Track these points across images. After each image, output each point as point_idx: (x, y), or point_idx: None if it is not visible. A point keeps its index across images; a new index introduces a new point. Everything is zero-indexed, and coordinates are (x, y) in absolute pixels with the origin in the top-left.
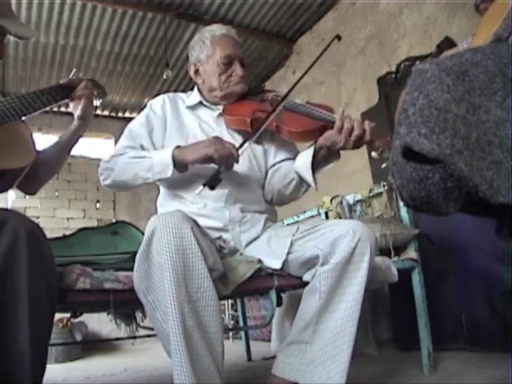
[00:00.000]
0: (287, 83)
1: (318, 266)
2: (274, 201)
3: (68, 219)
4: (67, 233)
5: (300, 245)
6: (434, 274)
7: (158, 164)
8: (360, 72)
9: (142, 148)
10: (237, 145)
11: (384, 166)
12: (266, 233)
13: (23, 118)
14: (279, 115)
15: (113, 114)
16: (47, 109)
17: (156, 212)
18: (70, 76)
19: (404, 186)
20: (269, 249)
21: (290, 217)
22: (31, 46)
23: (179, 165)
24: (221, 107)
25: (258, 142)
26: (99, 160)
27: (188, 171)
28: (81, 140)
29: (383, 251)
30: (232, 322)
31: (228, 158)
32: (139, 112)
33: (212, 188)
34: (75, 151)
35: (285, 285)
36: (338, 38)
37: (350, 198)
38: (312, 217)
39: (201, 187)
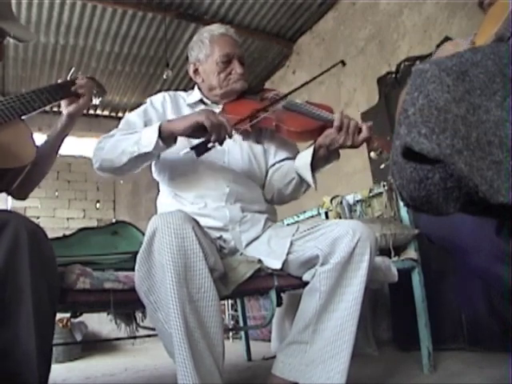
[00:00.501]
0: (287, 83)
1: (318, 265)
2: (274, 200)
3: (68, 219)
4: (67, 233)
5: (300, 245)
6: (434, 274)
7: (144, 137)
8: (360, 72)
9: None
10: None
11: (383, 166)
12: (266, 233)
13: (23, 117)
14: (279, 115)
15: (113, 114)
16: (47, 108)
17: (156, 212)
18: (69, 75)
19: (404, 186)
20: (269, 249)
21: (290, 217)
22: (31, 46)
23: (167, 137)
24: (221, 106)
25: (258, 141)
26: None
27: (189, 171)
28: (81, 140)
29: (383, 251)
30: (232, 322)
31: (220, 127)
32: None
33: (198, 155)
34: (75, 151)
35: (285, 285)
36: (343, 63)
37: (350, 198)
38: (312, 217)
39: (187, 149)
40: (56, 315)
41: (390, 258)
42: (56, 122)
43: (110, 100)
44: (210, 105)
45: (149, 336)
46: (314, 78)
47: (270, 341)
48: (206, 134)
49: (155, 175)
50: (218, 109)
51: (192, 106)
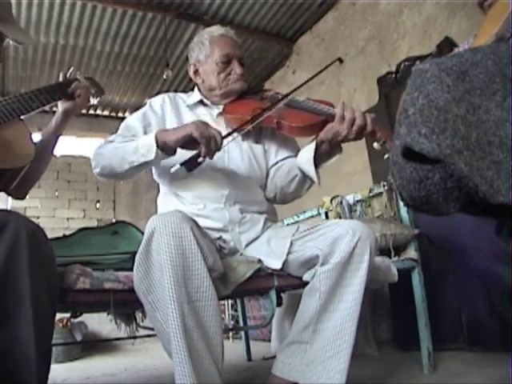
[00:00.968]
0: (287, 83)
1: (318, 265)
2: (277, 199)
3: (68, 219)
4: (67, 233)
5: (300, 245)
6: (434, 274)
7: (142, 146)
8: (360, 72)
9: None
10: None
11: (386, 156)
12: (266, 233)
13: (22, 117)
14: (280, 112)
15: (113, 114)
16: (46, 108)
17: (156, 212)
18: (68, 75)
19: (404, 186)
20: (269, 249)
21: (290, 217)
22: (31, 46)
23: (163, 147)
24: (221, 106)
25: (257, 141)
26: None
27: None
28: (81, 140)
29: (383, 251)
30: (232, 322)
31: (210, 140)
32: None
33: (189, 170)
34: (75, 151)
35: (285, 285)
36: (340, 61)
37: (350, 198)
38: (312, 217)
39: (177, 165)
40: (56, 315)
41: (390, 257)
42: (51, 120)
43: (110, 100)
44: (209, 106)
45: (149, 336)
46: (313, 78)
47: (270, 341)
48: (198, 147)
49: (155, 177)
50: (217, 109)
51: (192, 107)
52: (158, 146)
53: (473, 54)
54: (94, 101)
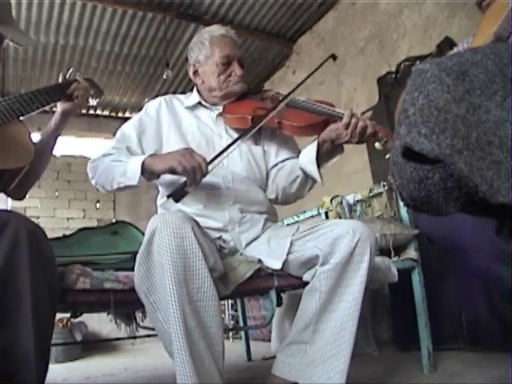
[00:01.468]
0: (287, 83)
1: (318, 265)
2: (278, 200)
3: (68, 219)
4: (67, 233)
5: (300, 245)
6: (434, 274)
7: (129, 170)
8: (360, 72)
9: (129, 150)
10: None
11: (387, 156)
12: (266, 233)
13: (21, 117)
14: (281, 111)
15: (113, 114)
16: (46, 108)
17: (156, 212)
18: (67, 75)
19: (404, 186)
20: (269, 249)
21: (290, 217)
22: (31, 46)
23: (148, 173)
24: (220, 107)
25: (256, 142)
26: None
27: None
28: (81, 140)
29: (383, 251)
30: (232, 322)
31: (195, 171)
32: (138, 112)
33: (177, 201)
34: (75, 151)
35: (285, 285)
36: (334, 57)
37: (350, 198)
38: (312, 217)
39: (164, 199)
40: (56, 315)
41: (390, 257)
42: (50, 121)
43: (110, 100)
44: (209, 107)
45: (149, 336)
46: (309, 76)
47: (270, 341)
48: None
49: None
50: (217, 110)
51: (190, 108)
52: (143, 172)
53: (473, 54)
54: (93, 102)
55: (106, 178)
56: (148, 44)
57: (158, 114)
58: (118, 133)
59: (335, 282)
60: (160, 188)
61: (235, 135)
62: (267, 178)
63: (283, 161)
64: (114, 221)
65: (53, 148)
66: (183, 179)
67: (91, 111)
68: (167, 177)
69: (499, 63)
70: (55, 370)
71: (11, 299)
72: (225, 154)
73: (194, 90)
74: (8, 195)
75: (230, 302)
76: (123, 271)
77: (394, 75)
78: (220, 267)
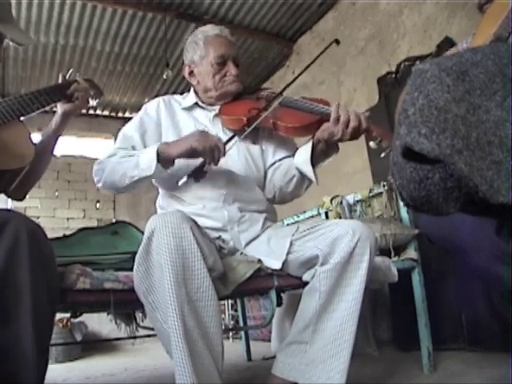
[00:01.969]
0: (287, 83)
1: (318, 265)
2: (276, 199)
3: (68, 219)
4: (67, 233)
5: (300, 245)
6: (434, 274)
7: (143, 161)
8: (360, 72)
9: (134, 150)
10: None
11: (383, 155)
12: (266, 233)
13: (21, 118)
14: (275, 112)
15: (113, 114)
16: (47, 108)
17: (156, 212)
18: (67, 76)
19: (404, 186)
20: (268, 249)
21: (290, 217)
22: (31, 46)
23: (165, 160)
24: (217, 108)
25: (254, 141)
26: None
27: (186, 173)
28: (81, 140)
29: (383, 251)
30: (232, 322)
31: (213, 149)
32: (138, 112)
33: (197, 180)
34: (75, 151)
35: (285, 285)
36: (337, 42)
37: (350, 198)
38: (312, 217)
39: (184, 178)
40: (55, 315)
41: (390, 258)
42: (51, 121)
43: (110, 100)
44: (206, 108)
45: (149, 336)
46: (307, 67)
47: (270, 341)
48: (201, 156)
49: (153, 180)
50: (213, 111)
51: (187, 109)
52: (159, 160)
53: (473, 53)
54: (93, 102)
55: (117, 176)
56: (148, 44)
57: (158, 114)
58: (120, 135)
59: (335, 282)
60: (160, 189)
61: (236, 138)
62: (265, 178)
63: (280, 159)
64: (114, 221)
65: (53, 148)
66: (192, 166)
67: (91, 111)
68: (170, 171)
69: (499, 63)
70: (55, 370)
71: (11, 299)
72: (236, 138)
73: (191, 90)
74: (8, 196)
75: (229, 301)
76: (123, 271)
77: (394, 75)
78: (219, 267)
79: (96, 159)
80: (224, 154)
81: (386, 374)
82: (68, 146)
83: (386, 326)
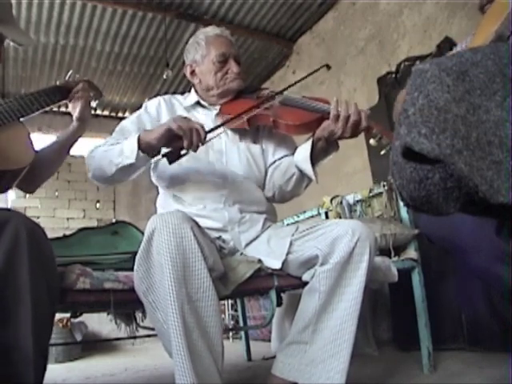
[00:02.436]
0: (287, 83)
1: (318, 265)
2: (275, 198)
3: (68, 219)
4: (67, 233)
5: (299, 245)
6: (434, 274)
7: (126, 148)
8: (360, 72)
9: None
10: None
11: (383, 152)
12: (266, 233)
13: (21, 119)
14: (276, 110)
15: (113, 114)
16: (47, 109)
17: (156, 212)
18: (67, 77)
19: (404, 186)
20: (268, 249)
21: (290, 217)
22: (31, 46)
23: (146, 147)
24: (218, 107)
25: (255, 141)
26: None
27: (186, 174)
28: (81, 140)
29: (383, 251)
30: (232, 322)
31: (192, 133)
32: None
33: (170, 162)
34: (75, 151)
35: (285, 285)
36: (328, 67)
37: (350, 198)
38: (312, 217)
39: (158, 156)
40: (55, 315)
41: (390, 258)
42: (69, 125)
43: (110, 100)
44: (207, 107)
45: (149, 336)
46: (300, 81)
47: (270, 341)
48: (181, 142)
49: (153, 180)
50: (215, 110)
51: (189, 108)
52: (140, 147)
53: (473, 53)
54: (92, 103)
55: (104, 164)
56: (148, 44)
57: (158, 112)
58: (117, 128)
59: (335, 282)
60: (160, 189)
61: (233, 133)
62: (265, 177)
63: (280, 158)
64: (113, 221)
65: (70, 149)
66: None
67: (91, 111)
68: (168, 170)
69: (499, 63)
70: (55, 370)
71: (11, 299)
72: (222, 129)
73: (192, 90)
74: (20, 189)
75: (229, 301)
76: (123, 271)
77: (394, 75)
78: (219, 267)
79: None
80: (203, 142)
81: (386, 374)
82: None
83: (386, 326)
